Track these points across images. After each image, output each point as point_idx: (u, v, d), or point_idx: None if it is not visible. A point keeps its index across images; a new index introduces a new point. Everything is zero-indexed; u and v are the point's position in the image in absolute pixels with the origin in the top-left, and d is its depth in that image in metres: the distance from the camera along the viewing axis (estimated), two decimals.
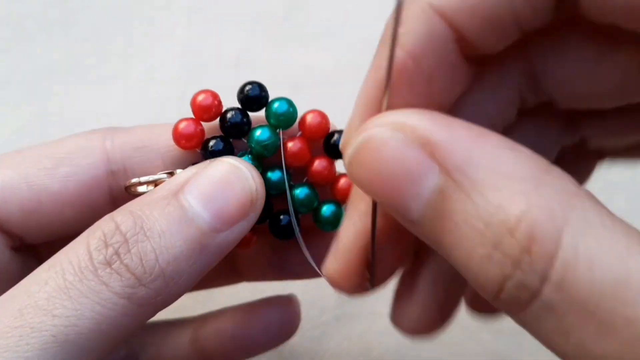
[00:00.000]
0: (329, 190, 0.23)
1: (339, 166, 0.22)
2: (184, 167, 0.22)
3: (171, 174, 0.21)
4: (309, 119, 0.22)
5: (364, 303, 0.31)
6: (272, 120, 0.22)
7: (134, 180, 0.22)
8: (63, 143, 0.22)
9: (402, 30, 0.16)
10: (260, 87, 0.22)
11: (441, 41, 0.17)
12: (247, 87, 0.22)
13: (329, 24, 0.37)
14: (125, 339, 0.19)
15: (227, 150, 0.22)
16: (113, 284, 0.18)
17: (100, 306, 0.17)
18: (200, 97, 0.22)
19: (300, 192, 0.23)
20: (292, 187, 0.22)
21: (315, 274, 0.23)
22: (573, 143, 0.22)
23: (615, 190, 0.33)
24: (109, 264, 0.18)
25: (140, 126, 0.23)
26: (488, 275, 0.14)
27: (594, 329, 0.13)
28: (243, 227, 0.20)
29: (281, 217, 0.23)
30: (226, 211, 0.19)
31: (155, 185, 0.21)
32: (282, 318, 0.26)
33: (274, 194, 0.22)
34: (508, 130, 0.20)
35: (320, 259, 0.22)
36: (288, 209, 0.22)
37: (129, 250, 0.18)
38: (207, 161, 0.21)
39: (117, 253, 0.18)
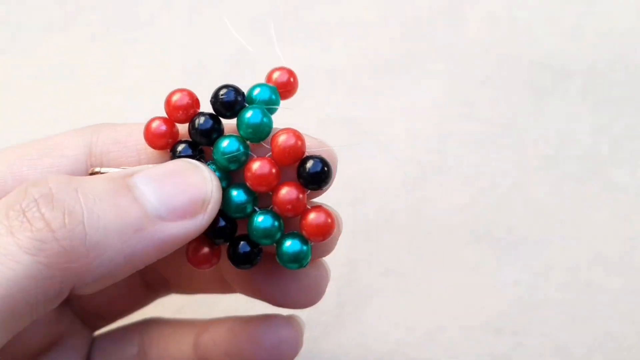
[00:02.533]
0: (297, 223, 0.20)
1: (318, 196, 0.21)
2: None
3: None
4: (281, 140, 0.19)
5: (364, 303, 0.31)
6: (241, 132, 0.20)
7: (96, 169, 0.21)
8: (54, 137, 0.22)
9: None
10: (236, 92, 0.20)
11: None
12: (222, 92, 0.20)
13: (329, 24, 0.37)
14: (34, 314, 0.16)
15: (195, 157, 0.20)
16: (20, 235, 0.15)
17: (0, 264, 0.15)
18: (175, 97, 0.20)
19: (263, 221, 0.19)
20: (254, 213, 0.20)
21: (291, 304, 0.23)
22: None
23: (615, 190, 0.33)
24: (23, 211, 0.16)
25: (131, 123, 0.22)
26: None
27: None
28: (188, 227, 0.18)
29: (241, 243, 0.20)
30: (174, 200, 0.18)
31: None
32: (281, 341, 0.24)
33: (235, 217, 0.20)
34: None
35: (285, 290, 0.22)
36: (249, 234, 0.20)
37: (51, 202, 0.16)
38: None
39: (36, 201, 0.16)
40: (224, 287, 0.25)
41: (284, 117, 0.21)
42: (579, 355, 0.30)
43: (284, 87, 0.21)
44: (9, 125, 0.35)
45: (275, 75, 0.21)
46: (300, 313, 0.31)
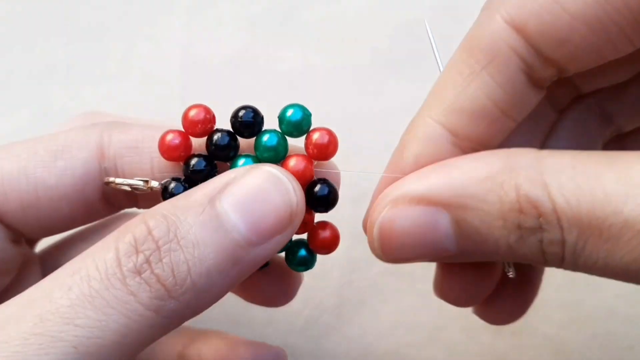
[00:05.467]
0: (307, 237, 0.22)
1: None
2: (170, 174, 0.21)
3: (146, 182, 0.21)
4: (292, 163, 0.20)
5: (364, 303, 0.31)
6: (258, 154, 0.21)
7: (110, 178, 0.22)
8: (61, 136, 0.22)
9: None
10: (255, 113, 0.21)
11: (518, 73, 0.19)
12: (241, 112, 0.21)
13: (328, 24, 0.37)
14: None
15: (209, 171, 0.21)
16: (141, 295, 0.17)
17: (126, 318, 0.17)
18: (192, 113, 0.21)
19: None
20: None
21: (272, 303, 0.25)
22: (612, 136, 0.24)
23: None
24: (138, 272, 0.17)
25: (140, 125, 0.23)
26: (532, 252, 0.17)
27: (602, 242, 0.17)
28: (278, 242, 0.19)
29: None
30: (263, 224, 0.18)
31: (131, 188, 0.21)
32: None
33: None
34: (552, 130, 0.23)
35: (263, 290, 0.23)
36: None
37: (160, 260, 0.17)
38: (248, 167, 0.19)
39: (148, 261, 0.17)
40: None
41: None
42: (579, 355, 0.30)
43: (322, 149, 0.21)
44: (10, 124, 0.35)
45: (315, 136, 0.21)
46: (300, 313, 0.31)
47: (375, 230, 0.19)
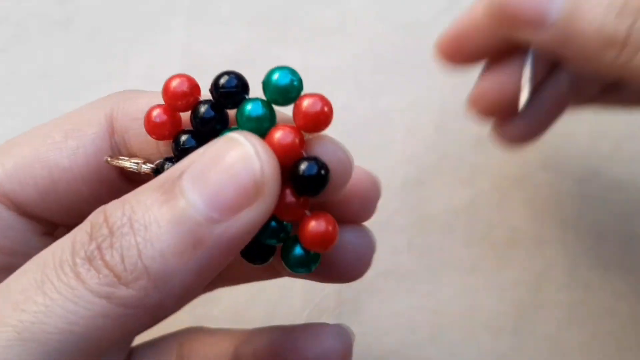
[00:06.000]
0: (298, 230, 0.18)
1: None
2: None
3: (138, 164, 0.20)
4: (277, 136, 0.17)
5: (364, 303, 0.31)
6: (239, 126, 0.18)
7: (107, 158, 0.20)
8: (75, 113, 0.21)
9: None
10: (238, 78, 0.18)
11: None
12: (222, 80, 0.18)
13: (329, 24, 0.37)
14: (116, 345, 0.17)
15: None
16: (90, 281, 0.16)
17: (73, 304, 0.15)
18: (174, 83, 0.19)
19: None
20: None
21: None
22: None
23: (615, 190, 0.33)
24: (89, 260, 0.16)
25: (151, 93, 0.21)
26: (618, 32, 0.20)
27: None
28: (249, 219, 0.16)
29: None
30: (223, 197, 0.16)
31: (127, 171, 0.20)
32: (327, 353, 0.21)
33: None
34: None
35: (328, 263, 0.20)
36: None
37: (111, 245, 0.16)
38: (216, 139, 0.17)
39: (99, 248, 0.16)
40: (272, 273, 0.24)
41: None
42: (579, 355, 0.30)
43: (312, 119, 0.18)
44: (10, 125, 0.35)
45: (305, 103, 0.18)
46: (300, 313, 0.31)
47: None
